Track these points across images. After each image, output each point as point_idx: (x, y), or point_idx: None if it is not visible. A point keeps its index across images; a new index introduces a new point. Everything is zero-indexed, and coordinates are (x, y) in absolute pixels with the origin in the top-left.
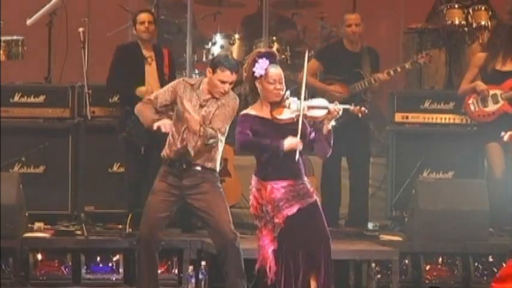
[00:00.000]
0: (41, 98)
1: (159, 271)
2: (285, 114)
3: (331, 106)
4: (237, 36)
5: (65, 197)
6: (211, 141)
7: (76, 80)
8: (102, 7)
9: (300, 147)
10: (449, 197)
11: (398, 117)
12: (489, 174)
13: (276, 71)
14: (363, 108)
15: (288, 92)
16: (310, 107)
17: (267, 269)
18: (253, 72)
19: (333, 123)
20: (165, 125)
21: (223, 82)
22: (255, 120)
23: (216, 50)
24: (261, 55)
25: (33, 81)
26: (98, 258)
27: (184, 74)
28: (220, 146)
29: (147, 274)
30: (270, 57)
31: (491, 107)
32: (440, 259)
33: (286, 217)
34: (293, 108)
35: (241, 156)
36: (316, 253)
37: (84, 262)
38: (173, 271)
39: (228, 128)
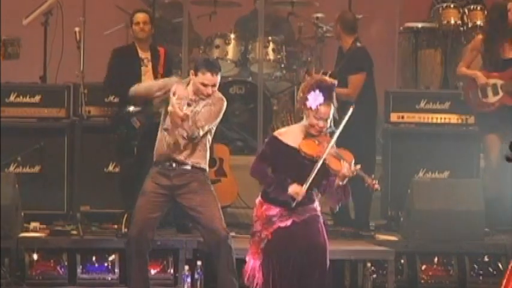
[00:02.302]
0: (37, 98)
1: (154, 271)
2: (309, 150)
3: (346, 167)
4: (232, 36)
5: (61, 196)
6: (194, 138)
7: (72, 80)
8: (98, 7)
9: (299, 198)
10: (445, 197)
11: (393, 117)
12: (486, 167)
13: (325, 109)
14: (376, 186)
15: (330, 129)
16: (333, 155)
17: (254, 282)
18: (307, 99)
19: (344, 181)
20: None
21: (205, 85)
22: (281, 148)
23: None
24: (318, 85)
25: (29, 81)
26: (94, 258)
27: (179, 73)
28: (207, 145)
29: (138, 274)
30: (326, 91)
31: (491, 99)
32: (435, 259)
33: (276, 229)
34: (319, 146)
35: (237, 156)
36: (309, 277)
37: (79, 262)
38: (169, 271)
39: (214, 128)
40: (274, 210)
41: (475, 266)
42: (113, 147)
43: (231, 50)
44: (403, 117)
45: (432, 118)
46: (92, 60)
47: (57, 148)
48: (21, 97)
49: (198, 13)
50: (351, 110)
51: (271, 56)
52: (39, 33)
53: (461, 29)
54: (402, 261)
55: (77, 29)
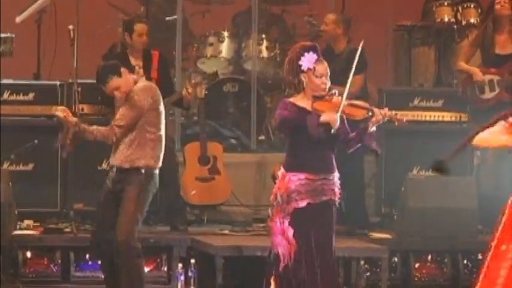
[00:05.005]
0: (30, 96)
1: (148, 269)
2: (325, 108)
3: (377, 110)
4: (226, 33)
5: (54, 194)
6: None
7: (65, 78)
8: (91, 4)
9: (336, 124)
10: (439, 195)
11: None
12: (481, 164)
13: (323, 65)
14: (403, 118)
15: (335, 91)
16: (350, 104)
17: (286, 253)
18: (300, 66)
19: (374, 128)
20: None
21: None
22: (295, 107)
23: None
24: (307, 49)
25: (22, 79)
26: (87, 256)
27: (173, 71)
28: (152, 141)
29: (108, 275)
30: (316, 50)
31: (488, 95)
32: (429, 257)
33: (293, 209)
34: (334, 102)
35: (230, 154)
36: (315, 260)
37: (73, 260)
38: (162, 269)
39: (161, 123)
40: (294, 183)
41: (469, 263)
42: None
43: (225, 48)
44: (396, 115)
45: (426, 116)
46: (85, 58)
47: (50, 146)
48: (14, 95)
49: (191, 11)
50: (360, 48)
51: (264, 53)
52: (32, 31)
53: (455, 26)
54: (396, 259)
55: (70, 27)
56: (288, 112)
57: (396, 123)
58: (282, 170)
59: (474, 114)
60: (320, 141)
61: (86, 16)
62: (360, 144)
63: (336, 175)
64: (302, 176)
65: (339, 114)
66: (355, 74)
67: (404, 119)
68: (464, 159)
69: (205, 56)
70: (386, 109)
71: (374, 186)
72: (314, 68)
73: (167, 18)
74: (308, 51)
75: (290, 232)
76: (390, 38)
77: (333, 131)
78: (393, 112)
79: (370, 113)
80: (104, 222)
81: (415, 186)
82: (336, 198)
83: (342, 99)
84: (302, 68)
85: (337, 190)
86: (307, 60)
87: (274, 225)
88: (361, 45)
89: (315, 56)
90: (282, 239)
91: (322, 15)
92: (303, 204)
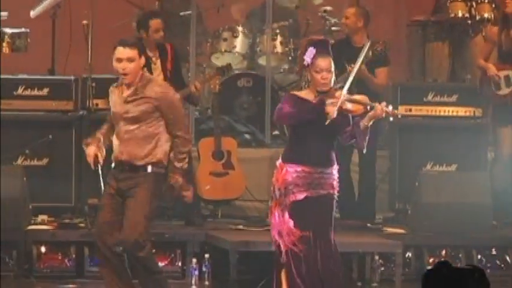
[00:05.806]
0: (45, 91)
1: (162, 264)
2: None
3: (377, 105)
4: (240, 29)
5: (69, 189)
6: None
7: (80, 73)
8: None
9: (334, 115)
10: (453, 190)
11: (401, 109)
12: (496, 158)
13: (323, 60)
14: (395, 111)
15: (340, 85)
16: (349, 100)
17: (287, 246)
18: (303, 60)
19: (370, 123)
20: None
21: (119, 60)
22: (299, 100)
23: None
24: (311, 43)
25: (37, 73)
26: None
27: (187, 66)
28: (157, 137)
29: (109, 278)
30: (319, 45)
31: (504, 91)
32: (443, 252)
33: (292, 202)
34: (336, 97)
35: (244, 149)
36: (315, 253)
37: (87, 255)
38: (177, 264)
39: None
40: (291, 175)
41: (483, 259)
42: None
43: (239, 43)
44: (410, 110)
45: (440, 111)
46: (99, 53)
47: (65, 141)
48: (29, 90)
49: (205, 6)
50: (368, 45)
51: (279, 48)
52: (47, 25)
53: (469, 21)
54: (410, 254)
55: (85, 21)
56: (288, 106)
57: (391, 119)
58: (280, 160)
59: (493, 110)
60: (318, 133)
61: (101, 11)
62: (354, 140)
63: (335, 168)
64: (299, 168)
65: (336, 108)
66: (377, 66)
67: (399, 115)
68: (479, 154)
69: (219, 51)
70: (384, 104)
71: (388, 182)
72: (313, 63)
73: (181, 14)
74: (311, 46)
75: (290, 224)
76: (404, 34)
77: (327, 122)
78: (390, 107)
79: (369, 108)
80: (104, 225)
81: (429, 181)
82: (335, 192)
83: (341, 94)
84: (304, 62)
85: (335, 184)
86: (307, 56)
87: (273, 218)
88: (368, 44)
89: (313, 51)
90: (281, 232)
91: (337, 11)
92: (301, 196)
